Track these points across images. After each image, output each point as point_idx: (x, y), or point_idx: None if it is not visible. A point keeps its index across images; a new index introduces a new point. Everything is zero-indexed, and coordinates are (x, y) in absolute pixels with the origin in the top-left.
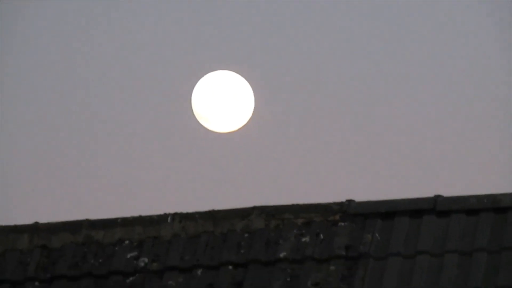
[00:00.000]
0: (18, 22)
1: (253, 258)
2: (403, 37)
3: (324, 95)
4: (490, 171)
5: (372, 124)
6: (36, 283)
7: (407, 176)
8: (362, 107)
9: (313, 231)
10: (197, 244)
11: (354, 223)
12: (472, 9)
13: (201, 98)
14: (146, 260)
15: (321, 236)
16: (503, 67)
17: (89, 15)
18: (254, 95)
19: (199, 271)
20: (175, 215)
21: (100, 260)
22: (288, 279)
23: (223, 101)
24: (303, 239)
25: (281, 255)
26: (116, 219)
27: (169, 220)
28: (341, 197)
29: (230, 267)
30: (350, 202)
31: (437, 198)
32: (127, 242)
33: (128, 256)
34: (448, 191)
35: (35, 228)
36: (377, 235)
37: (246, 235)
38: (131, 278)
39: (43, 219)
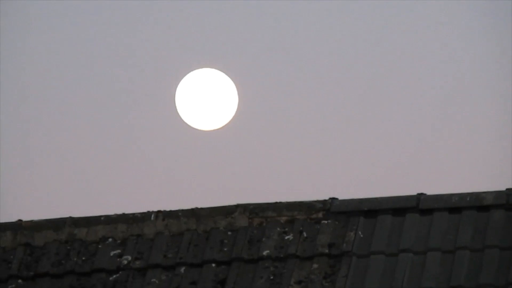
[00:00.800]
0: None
1: (236, 256)
2: (389, 32)
3: (307, 93)
4: (472, 169)
5: (355, 123)
6: (19, 281)
7: (390, 174)
8: (345, 105)
9: (296, 229)
10: (180, 242)
11: (337, 221)
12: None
13: (185, 96)
14: (129, 258)
15: (304, 234)
16: (488, 66)
17: (71, 13)
18: (238, 93)
19: (182, 269)
20: (158, 213)
21: (83, 258)
22: (271, 277)
23: (206, 99)
24: (286, 237)
25: (264, 253)
26: (100, 216)
27: (152, 218)
28: (324, 195)
29: (213, 265)
30: (333, 200)
31: (420, 196)
32: (110, 240)
33: (111, 254)
34: (431, 190)
35: (18, 226)
36: (360, 233)
37: (229, 233)
38: (114, 276)
39: (26, 216)
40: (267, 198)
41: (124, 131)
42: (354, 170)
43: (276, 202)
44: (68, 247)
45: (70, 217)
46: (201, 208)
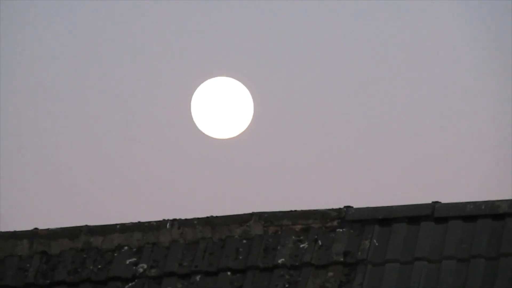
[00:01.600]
0: (18, 22)
1: (251, 264)
2: (406, 42)
3: (322, 103)
4: (487, 178)
5: (371, 131)
6: None
7: (405, 182)
8: (360, 115)
9: (311, 237)
10: (196, 250)
11: (352, 229)
12: (472, 9)
13: (201, 104)
14: (145, 266)
15: (319, 242)
16: (505, 72)
17: (88, 18)
18: (253, 101)
19: (197, 277)
20: (173, 221)
21: (99, 266)
22: (287, 285)
23: (222, 108)
24: (301, 245)
25: (280, 261)
26: (115, 225)
27: (168, 226)
28: (339, 204)
29: (229, 273)
30: (348, 208)
31: (435, 204)
32: (126, 248)
33: (127, 262)
34: (446, 198)
35: (35, 234)
36: (375, 241)
37: (244, 241)
38: (130, 284)
39: (43, 225)
40: (282, 206)
41: (140, 139)
42: (369, 179)
43: (291, 211)
44: (84, 255)
45: (86, 226)
46: (216, 217)
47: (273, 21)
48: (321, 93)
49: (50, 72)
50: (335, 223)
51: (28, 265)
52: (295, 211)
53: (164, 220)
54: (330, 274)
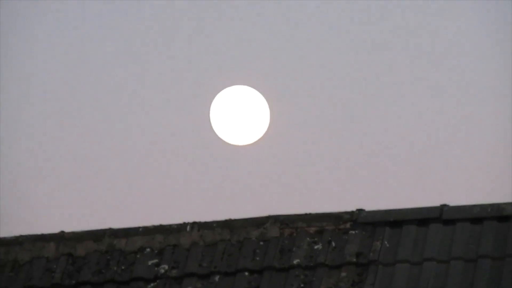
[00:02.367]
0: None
1: (268, 265)
2: (418, 45)
3: (336, 110)
4: (493, 181)
5: (381, 138)
6: None
7: (415, 186)
8: (372, 121)
9: (325, 239)
10: (215, 252)
11: (364, 231)
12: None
13: (219, 112)
14: (166, 267)
15: (333, 244)
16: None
17: (107, 30)
18: (270, 109)
19: (216, 278)
20: (193, 224)
21: (123, 267)
22: (302, 285)
23: (240, 115)
24: (316, 247)
25: (295, 262)
26: (138, 228)
27: (188, 229)
28: (351, 207)
29: (246, 273)
30: (360, 211)
31: (443, 207)
32: (148, 250)
33: (149, 263)
34: (453, 201)
35: (61, 237)
36: (386, 242)
37: (261, 243)
38: (152, 284)
39: (68, 228)
40: (297, 209)
41: (162, 146)
42: (380, 182)
43: (306, 214)
44: (108, 257)
45: (110, 228)
46: (234, 220)
47: (288, 31)
48: (335, 100)
49: (80, 80)
50: (347, 225)
51: (54, 266)
52: (310, 214)
53: (184, 223)
54: (343, 274)
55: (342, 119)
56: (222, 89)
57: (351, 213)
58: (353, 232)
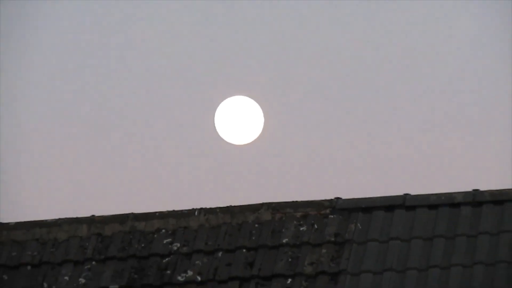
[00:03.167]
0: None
1: (262, 243)
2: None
3: (318, 116)
4: (447, 173)
5: (356, 141)
6: (93, 263)
7: (382, 178)
8: (347, 127)
9: (309, 222)
10: (218, 232)
11: (341, 215)
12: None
13: (222, 117)
14: (178, 245)
15: (315, 226)
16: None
17: (118, 39)
18: (264, 115)
19: (219, 253)
20: (200, 210)
21: (142, 245)
22: (290, 260)
23: (239, 120)
24: (301, 228)
25: (284, 241)
26: (155, 212)
27: (196, 214)
28: (331, 196)
29: (244, 250)
30: (338, 199)
31: (406, 196)
32: (163, 230)
33: (164, 241)
34: (414, 190)
35: (92, 220)
36: (359, 225)
37: (256, 225)
38: (166, 259)
39: (98, 212)
40: (286, 197)
41: (174, 146)
42: (354, 176)
43: (293, 201)
44: (130, 236)
45: (132, 213)
46: (234, 206)
47: (277, 53)
48: (316, 110)
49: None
50: (327, 211)
51: (87, 244)
52: (296, 201)
53: (193, 209)
54: (324, 251)
55: (322, 124)
56: (225, 98)
57: (330, 201)
58: (332, 216)
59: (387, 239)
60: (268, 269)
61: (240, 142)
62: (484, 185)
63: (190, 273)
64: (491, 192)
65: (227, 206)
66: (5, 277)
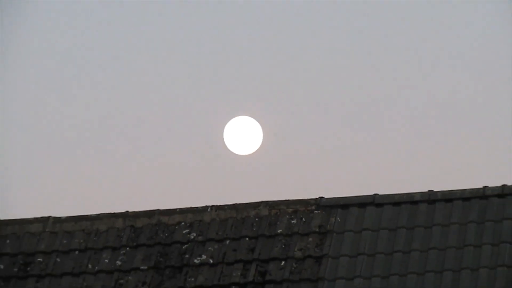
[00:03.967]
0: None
1: (261, 233)
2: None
3: (306, 133)
4: (408, 174)
5: (339, 148)
6: (127, 249)
7: (354, 181)
8: (338, 135)
9: (298, 216)
10: (226, 225)
11: (324, 211)
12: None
13: (229, 133)
14: (194, 234)
15: (303, 219)
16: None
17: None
18: (263, 131)
19: (227, 242)
20: (212, 207)
21: (166, 235)
22: (283, 246)
23: (243, 135)
24: (292, 221)
25: (278, 231)
26: (176, 209)
27: (208, 210)
28: (315, 195)
29: (247, 239)
30: (321, 198)
31: (375, 195)
32: (183, 223)
33: (183, 232)
34: (382, 191)
35: (126, 215)
36: (338, 218)
37: (256, 219)
38: (185, 246)
39: (131, 208)
40: (280, 197)
41: (190, 157)
42: (333, 179)
43: (286, 200)
44: (157, 228)
45: (158, 209)
46: (239, 204)
47: (274, 72)
48: (305, 127)
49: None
50: (313, 207)
51: (122, 233)
52: (288, 200)
53: (206, 206)
54: (310, 239)
55: (309, 138)
56: (231, 118)
57: (315, 199)
58: (317, 212)
59: (360, 230)
60: (266, 254)
61: (244, 153)
62: (438, 187)
63: (204, 257)
64: (443, 192)
65: (233, 204)
66: (58, 260)
